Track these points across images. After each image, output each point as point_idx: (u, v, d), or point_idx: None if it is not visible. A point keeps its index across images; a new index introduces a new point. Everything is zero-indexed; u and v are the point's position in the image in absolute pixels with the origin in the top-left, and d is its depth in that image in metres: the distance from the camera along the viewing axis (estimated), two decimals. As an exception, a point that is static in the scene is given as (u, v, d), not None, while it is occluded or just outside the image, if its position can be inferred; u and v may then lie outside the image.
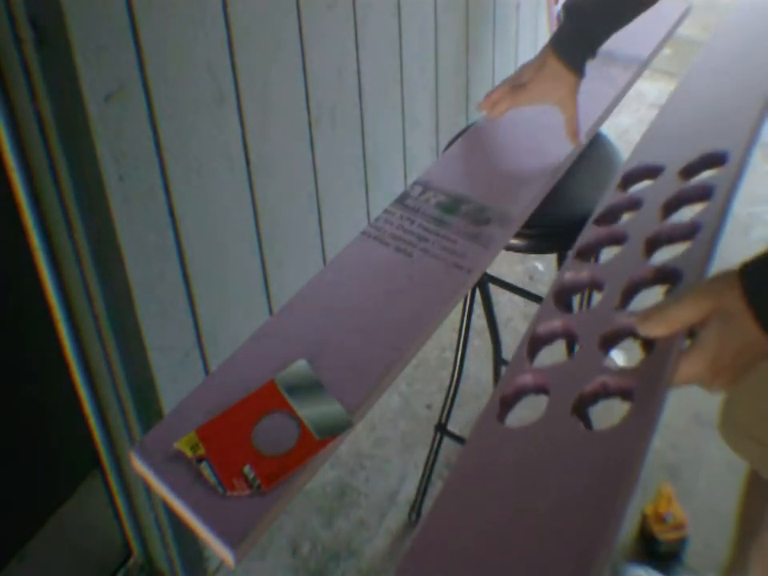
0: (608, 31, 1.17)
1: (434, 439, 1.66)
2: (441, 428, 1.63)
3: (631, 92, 1.46)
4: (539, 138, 1.23)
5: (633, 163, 1.08)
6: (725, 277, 0.68)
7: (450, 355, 2.06)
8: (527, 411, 0.78)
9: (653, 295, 0.86)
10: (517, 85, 1.20)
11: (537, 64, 1.18)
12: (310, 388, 0.85)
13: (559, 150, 1.21)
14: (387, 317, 0.94)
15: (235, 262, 1.46)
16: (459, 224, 1.07)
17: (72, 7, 1.00)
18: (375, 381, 0.86)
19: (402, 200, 1.13)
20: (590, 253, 0.95)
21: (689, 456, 1.80)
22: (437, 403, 1.90)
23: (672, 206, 0.95)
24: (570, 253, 0.95)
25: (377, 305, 0.95)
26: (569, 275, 0.89)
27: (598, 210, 1.01)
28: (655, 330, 0.71)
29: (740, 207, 2.47)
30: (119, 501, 1.46)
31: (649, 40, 1.50)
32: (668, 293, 0.82)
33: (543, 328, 0.82)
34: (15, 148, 1.05)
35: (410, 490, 1.77)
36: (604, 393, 0.73)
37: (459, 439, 1.66)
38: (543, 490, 0.65)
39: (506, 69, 2.46)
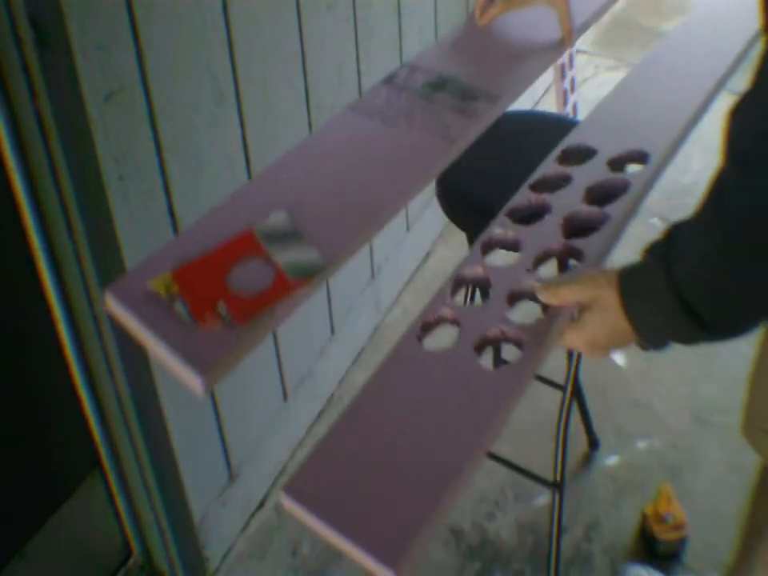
0: None
1: (433, 439, 1.65)
2: (441, 428, 1.63)
3: (631, 91, 1.46)
4: (532, 26, 1.24)
5: (573, 140, 1.18)
6: (608, 274, 0.82)
7: (450, 355, 2.06)
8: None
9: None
10: None
11: None
12: (287, 236, 0.86)
13: (550, 39, 1.22)
14: (366, 185, 0.95)
15: (235, 262, 1.46)
16: (446, 99, 1.08)
17: (72, 7, 1.00)
18: (349, 240, 0.88)
19: (388, 80, 1.13)
20: (520, 214, 1.07)
21: (689, 456, 1.80)
22: (437, 403, 1.90)
23: (595, 190, 1.09)
24: (503, 210, 1.06)
25: (357, 173, 0.97)
26: (498, 231, 1.03)
27: (535, 176, 1.12)
28: (549, 300, 0.88)
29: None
30: (119, 501, 1.46)
31: None
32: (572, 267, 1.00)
33: (468, 271, 0.98)
34: (15, 148, 1.05)
35: (410, 489, 1.77)
36: (503, 338, 0.90)
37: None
38: (435, 405, 0.82)
39: (506, 69, 2.46)
